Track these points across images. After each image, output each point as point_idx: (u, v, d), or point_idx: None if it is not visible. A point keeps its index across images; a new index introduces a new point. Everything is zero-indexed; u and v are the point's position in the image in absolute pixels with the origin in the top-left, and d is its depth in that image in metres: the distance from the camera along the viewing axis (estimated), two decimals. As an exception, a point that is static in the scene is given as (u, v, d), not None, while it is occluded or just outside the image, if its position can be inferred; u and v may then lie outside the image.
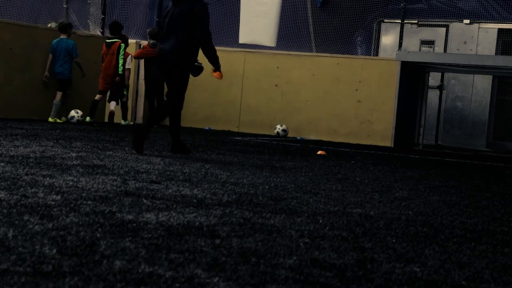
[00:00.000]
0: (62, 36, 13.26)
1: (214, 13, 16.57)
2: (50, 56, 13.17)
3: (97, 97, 13.55)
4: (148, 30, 14.31)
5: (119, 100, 13.93)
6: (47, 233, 3.09)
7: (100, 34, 15.60)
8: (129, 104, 15.12)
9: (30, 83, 13.09)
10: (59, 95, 13.16)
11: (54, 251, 2.78)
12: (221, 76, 8.32)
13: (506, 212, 5.19)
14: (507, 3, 15.19)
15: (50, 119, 12.99)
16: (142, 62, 14.71)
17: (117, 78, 13.59)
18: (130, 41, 15.25)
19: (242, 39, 15.31)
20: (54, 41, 13.21)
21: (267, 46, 15.04)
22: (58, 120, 13.07)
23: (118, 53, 13.52)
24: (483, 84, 16.07)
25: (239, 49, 15.45)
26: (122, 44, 13.58)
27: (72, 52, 13.18)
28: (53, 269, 2.52)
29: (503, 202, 5.84)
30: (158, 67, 8.24)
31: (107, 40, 13.67)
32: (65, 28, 13.34)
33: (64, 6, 17.43)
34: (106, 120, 14.16)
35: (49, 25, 15.17)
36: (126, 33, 15.08)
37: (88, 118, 13.30)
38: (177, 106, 8.08)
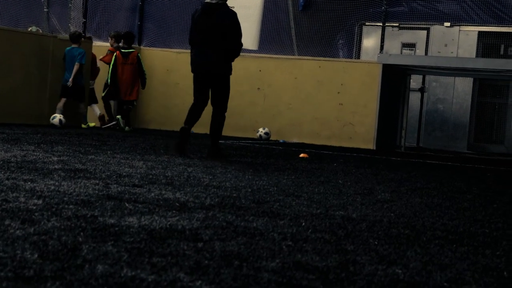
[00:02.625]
0: (74, 46, 13.65)
1: (196, 16, 16.56)
2: (62, 62, 13.64)
3: (125, 106, 14.05)
4: (112, 34, 14.49)
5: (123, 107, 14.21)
6: (29, 238, 3.08)
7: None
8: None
9: (11, 88, 13.02)
10: (82, 104, 13.81)
11: (36, 255, 2.76)
12: None
13: (487, 213, 5.22)
14: (487, 6, 15.29)
15: (83, 126, 13.79)
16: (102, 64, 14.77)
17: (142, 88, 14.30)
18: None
19: (224, 43, 15.30)
20: (67, 49, 13.63)
21: (249, 50, 15.04)
22: (90, 125, 13.87)
23: (140, 64, 14.03)
24: (464, 86, 16.18)
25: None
26: (139, 55, 14.12)
27: (77, 58, 13.47)
28: (34, 273, 2.50)
29: (484, 204, 5.88)
30: (198, 77, 8.69)
31: (123, 50, 13.98)
32: (77, 38, 13.74)
33: (45, 10, 17.34)
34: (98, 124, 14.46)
35: (29, 29, 15.09)
36: (107, 37, 15.06)
37: (127, 128, 13.85)
38: (226, 110, 8.84)
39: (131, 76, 13.98)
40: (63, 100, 13.52)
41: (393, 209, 5.03)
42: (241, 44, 8.68)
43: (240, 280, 2.64)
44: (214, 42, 8.48)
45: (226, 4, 8.66)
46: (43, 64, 13.54)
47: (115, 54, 14.04)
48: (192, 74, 8.86)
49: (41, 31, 15.33)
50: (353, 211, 4.78)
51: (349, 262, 3.11)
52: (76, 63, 13.43)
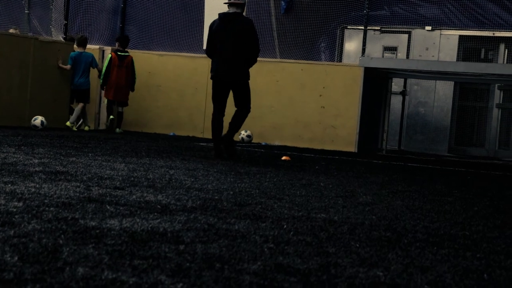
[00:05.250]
0: (80, 50, 14.08)
1: (178, 19, 16.55)
2: (69, 66, 13.96)
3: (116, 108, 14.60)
4: (68, 37, 14.87)
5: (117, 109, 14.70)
6: (9, 240, 3.06)
7: (62, 40, 15.45)
8: (93, 109, 15.18)
9: (-9, 89, 12.93)
10: (80, 105, 14.08)
11: (16, 258, 2.74)
12: None
13: (468, 216, 5.25)
14: (468, 10, 15.40)
15: (67, 123, 13.79)
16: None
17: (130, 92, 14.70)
18: (94, 47, 15.18)
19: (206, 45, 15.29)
20: (73, 53, 13.99)
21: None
22: (74, 129, 13.86)
23: (133, 68, 14.54)
24: (445, 90, 16.27)
25: (203, 55, 15.42)
26: (133, 59, 14.60)
27: (93, 64, 14.14)
28: (14, 276, 2.49)
29: (464, 206, 5.91)
30: (219, 85, 9.31)
31: (119, 53, 14.36)
32: (84, 42, 14.18)
33: (26, 12, 17.24)
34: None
35: (10, 31, 14.99)
36: (89, 39, 15.04)
37: (118, 130, 14.49)
38: (249, 111, 9.46)
39: (125, 79, 14.40)
40: (80, 105, 14.08)
41: (375, 212, 5.05)
42: (259, 50, 9.31)
43: (221, 283, 2.64)
44: (234, 50, 9.11)
45: (242, 14, 9.27)
46: (24, 66, 13.46)
47: (110, 55, 14.31)
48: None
49: (18, 31, 15.24)
50: (334, 213, 4.79)
51: (330, 265, 3.11)
52: (97, 67, 14.20)
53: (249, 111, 9.48)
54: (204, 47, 15.26)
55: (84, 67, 14.03)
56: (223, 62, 9.18)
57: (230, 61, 9.16)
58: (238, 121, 9.39)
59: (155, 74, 15.61)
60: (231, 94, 9.46)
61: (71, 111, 14.22)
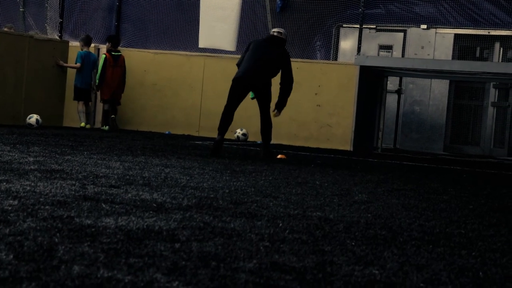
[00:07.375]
0: (86, 49, 14.32)
1: (173, 17, 16.53)
2: (78, 64, 14.14)
3: (106, 106, 14.68)
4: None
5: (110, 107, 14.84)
6: (4, 239, 3.05)
7: (58, 38, 15.43)
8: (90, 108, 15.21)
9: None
10: (81, 103, 14.35)
11: (11, 256, 2.74)
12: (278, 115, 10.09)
13: (463, 214, 5.26)
14: (463, 9, 15.41)
15: (84, 125, 14.31)
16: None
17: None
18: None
19: (202, 43, 15.29)
20: (82, 52, 14.19)
21: (227, 51, 15.03)
22: (82, 125, 14.24)
23: (125, 67, 14.72)
24: (440, 88, 16.29)
25: (198, 53, 15.43)
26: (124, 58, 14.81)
27: (96, 65, 14.41)
28: (9, 274, 2.48)
29: (460, 204, 5.92)
30: (243, 87, 9.59)
31: (113, 53, 14.49)
32: (90, 41, 14.51)
33: (21, 9, 17.20)
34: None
35: (4, 29, 14.97)
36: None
37: (105, 127, 14.58)
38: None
39: (119, 79, 14.56)
40: (81, 103, 14.28)
41: (370, 210, 5.05)
42: (293, 80, 9.78)
43: (217, 281, 2.64)
44: (267, 64, 9.56)
45: (285, 43, 9.80)
46: (19, 64, 13.44)
47: (104, 56, 14.30)
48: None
49: (13, 30, 15.22)
50: (330, 212, 4.79)
51: (326, 263, 3.11)
52: (95, 70, 14.40)
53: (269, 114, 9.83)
54: (200, 45, 15.28)
55: (91, 67, 14.27)
56: (254, 66, 9.49)
57: (260, 68, 9.51)
58: (268, 134, 9.85)
59: (150, 72, 15.60)
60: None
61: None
